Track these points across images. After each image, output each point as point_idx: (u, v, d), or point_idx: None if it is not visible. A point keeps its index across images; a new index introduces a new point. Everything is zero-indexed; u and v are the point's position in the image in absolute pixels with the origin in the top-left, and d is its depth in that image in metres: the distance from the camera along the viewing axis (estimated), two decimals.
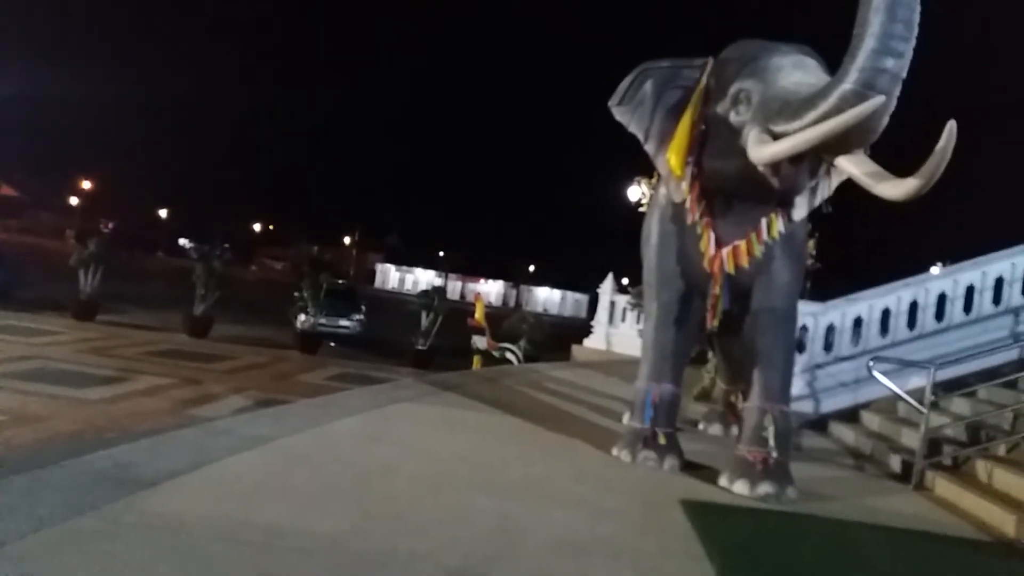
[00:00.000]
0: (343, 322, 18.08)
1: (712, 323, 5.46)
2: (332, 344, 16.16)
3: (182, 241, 68.64)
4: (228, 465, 4.05)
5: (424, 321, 14.87)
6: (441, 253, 77.20)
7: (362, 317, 19.09)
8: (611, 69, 5.98)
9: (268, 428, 4.97)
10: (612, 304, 16.91)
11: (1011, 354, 8.13)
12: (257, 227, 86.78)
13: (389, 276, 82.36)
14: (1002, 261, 8.72)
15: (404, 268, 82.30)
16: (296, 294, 15.61)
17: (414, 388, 7.85)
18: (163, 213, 77.85)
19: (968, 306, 8.74)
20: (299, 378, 11.00)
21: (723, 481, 5.17)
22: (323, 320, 15.59)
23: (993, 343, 8.31)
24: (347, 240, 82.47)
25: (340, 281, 22.60)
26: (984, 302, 8.70)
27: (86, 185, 68.23)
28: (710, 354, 8.71)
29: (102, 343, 11.50)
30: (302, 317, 15.16)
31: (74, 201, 69.56)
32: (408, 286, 71.95)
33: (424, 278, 73.51)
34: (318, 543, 3.13)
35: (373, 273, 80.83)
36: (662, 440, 5.54)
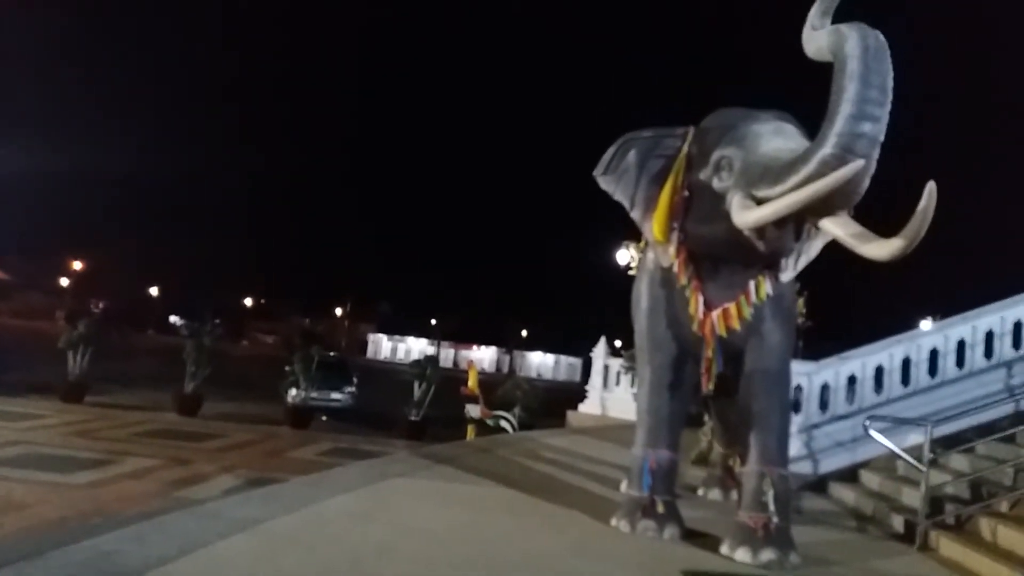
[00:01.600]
0: (335, 395, 17.90)
1: (707, 386, 5.45)
2: (324, 418, 15.95)
3: (173, 318, 68.45)
4: (217, 550, 3.94)
5: (417, 391, 14.76)
6: (433, 321, 77.09)
7: (354, 389, 18.91)
8: (598, 134, 6.11)
9: (258, 509, 4.86)
10: (606, 368, 16.81)
11: (1007, 408, 8.10)
12: (248, 301, 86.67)
13: (381, 346, 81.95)
14: (991, 315, 8.78)
15: (396, 337, 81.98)
16: (287, 368, 15.51)
17: (407, 462, 7.72)
18: (153, 291, 77.81)
19: (960, 360, 8.75)
20: (290, 455, 10.83)
21: (725, 549, 5.06)
22: (314, 394, 15.44)
23: (988, 397, 8.29)
24: (338, 311, 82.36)
25: (331, 353, 22.46)
26: (976, 356, 8.71)
27: (76, 265, 68.34)
28: (706, 417, 8.64)
29: (89, 425, 11.33)
30: (293, 391, 15.02)
31: (64, 282, 69.54)
32: (401, 355, 71.51)
33: (416, 347, 73.12)
34: None
35: (365, 343, 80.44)
36: (661, 508, 5.44)
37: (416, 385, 14.81)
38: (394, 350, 79.69)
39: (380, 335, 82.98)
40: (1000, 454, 6.82)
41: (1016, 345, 8.71)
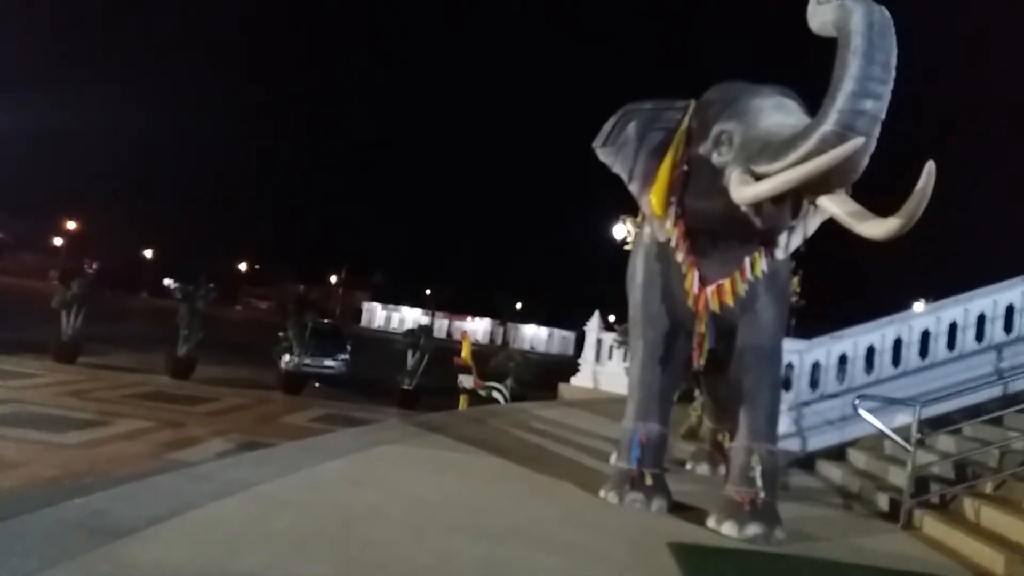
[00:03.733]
0: (328, 362, 17.93)
1: (699, 362, 5.47)
2: (317, 385, 16.01)
3: (167, 281, 68.24)
4: (209, 511, 3.97)
5: (410, 360, 14.80)
6: (428, 291, 77.14)
7: (347, 357, 18.95)
8: (596, 107, 6.07)
9: (250, 472, 4.89)
10: (599, 342, 16.89)
11: (995, 391, 8.16)
12: (243, 267, 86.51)
13: (375, 315, 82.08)
14: (984, 298, 8.81)
15: (390, 307, 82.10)
16: (281, 334, 15.51)
17: (399, 430, 7.77)
18: (148, 253, 77.55)
19: (952, 343, 8.80)
20: (283, 420, 10.88)
21: (711, 522, 5.12)
22: (308, 360, 15.47)
23: (977, 379, 8.35)
24: (333, 279, 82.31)
25: (325, 320, 22.47)
26: (967, 339, 8.76)
27: (70, 225, 67.97)
28: (696, 392, 8.70)
29: (82, 386, 11.34)
30: (286, 357, 15.04)
31: (58, 242, 69.22)
32: (395, 325, 71.65)
33: (411, 316, 73.34)
34: None
35: (359, 312, 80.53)
36: (649, 481, 5.49)
37: (409, 354, 14.85)
38: (388, 319, 79.85)
39: (374, 304, 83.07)
40: (986, 436, 6.89)
41: (1007, 329, 8.75)
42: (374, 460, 5.97)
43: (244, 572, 3.16)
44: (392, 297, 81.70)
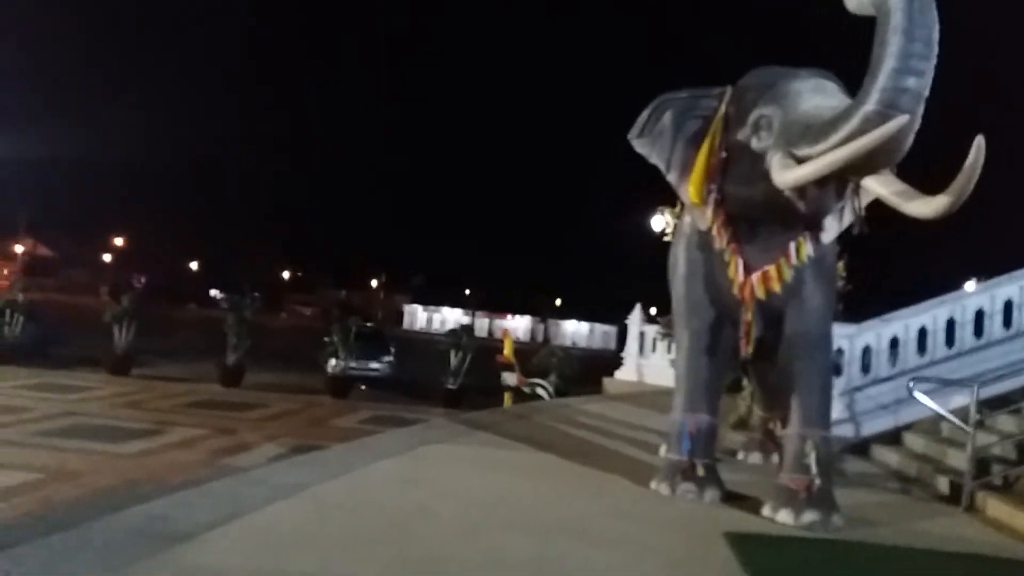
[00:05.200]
0: (373, 365, 18.11)
1: (746, 350, 5.39)
2: (363, 387, 16.19)
3: (213, 292, 69.64)
4: (264, 515, 4.03)
5: (453, 360, 14.88)
6: (467, 291, 77.45)
7: (392, 359, 19.11)
8: (631, 98, 6.02)
9: (302, 475, 4.96)
10: (641, 335, 16.76)
11: None
12: (285, 274, 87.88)
13: (417, 317, 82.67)
14: None
15: (431, 308, 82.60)
16: (326, 339, 15.71)
17: (446, 428, 7.81)
18: (193, 265, 79.29)
19: (1008, 321, 8.54)
20: (332, 423, 11.02)
21: (766, 511, 5.05)
22: (353, 363, 15.64)
23: None
24: (374, 283, 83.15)
25: (368, 324, 22.70)
26: (1023, 317, 8.49)
27: (118, 242, 69.84)
28: (745, 381, 8.57)
29: (137, 397, 11.64)
30: (332, 362, 15.23)
31: (107, 258, 71.18)
32: (436, 326, 72.04)
33: (451, 317, 73.65)
34: None
35: (401, 314, 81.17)
36: (701, 472, 5.43)
37: (452, 354, 14.93)
38: (429, 320, 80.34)
39: (415, 306, 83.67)
40: None
41: None
42: (422, 459, 6.01)
43: (299, 574, 3.20)
44: (432, 299, 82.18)
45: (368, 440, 6.99)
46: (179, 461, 7.55)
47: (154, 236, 72.87)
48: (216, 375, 14.29)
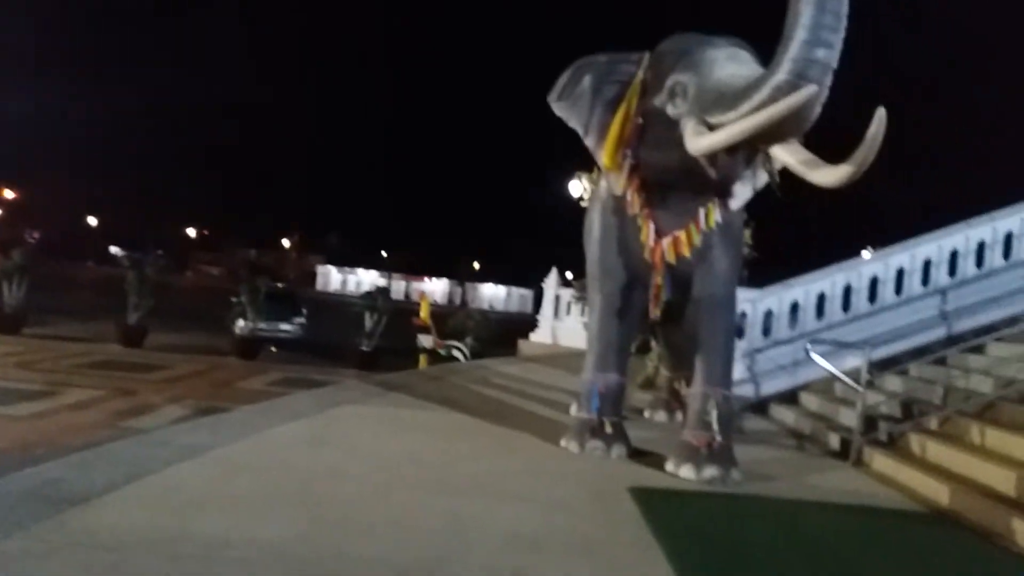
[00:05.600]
0: (283, 326, 17.71)
1: (655, 312, 5.54)
2: (273, 349, 15.82)
3: (113, 249, 66.29)
4: (165, 477, 3.91)
5: (368, 322, 14.69)
6: (384, 253, 76.51)
7: (303, 320, 18.73)
8: (552, 62, 5.99)
9: (207, 437, 4.82)
10: (557, 298, 16.99)
11: (939, 332, 8.46)
12: (192, 232, 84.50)
13: (331, 278, 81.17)
14: (929, 244, 9.04)
15: (346, 269, 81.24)
16: (234, 299, 15.21)
17: (359, 390, 7.73)
18: (93, 221, 75.16)
19: (899, 288, 9.04)
20: (239, 385, 10.73)
21: (669, 466, 5.24)
22: (262, 325, 15.22)
23: (923, 322, 8.63)
24: (286, 243, 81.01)
25: (279, 284, 22.16)
26: (913, 284, 9.00)
27: (8, 195, 65.37)
28: (653, 343, 8.81)
29: (28, 357, 11.01)
30: (240, 322, 14.78)
31: None
32: (351, 287, 70.94)
33: (367, 279, 72.66)
34: (262, 552, 3.04)
35: (314, 275, 79.54)
36: (609, 429, 5.59)
37: (367, 316, 14.74)
38: (344, 282, 79.05)
39: (329, 267, 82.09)
40: (931, 375, 7.14)
41: (952, 273, 9.00)
42: (333, 420, 5.94)
43: (203, 535, 3.13)
44: (347, 260, 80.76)
45: (277, 402, 6.84)
46: (75, 423, 7.20)
47: (50, 189, 68.60)
48: (115, 335, 13.65)
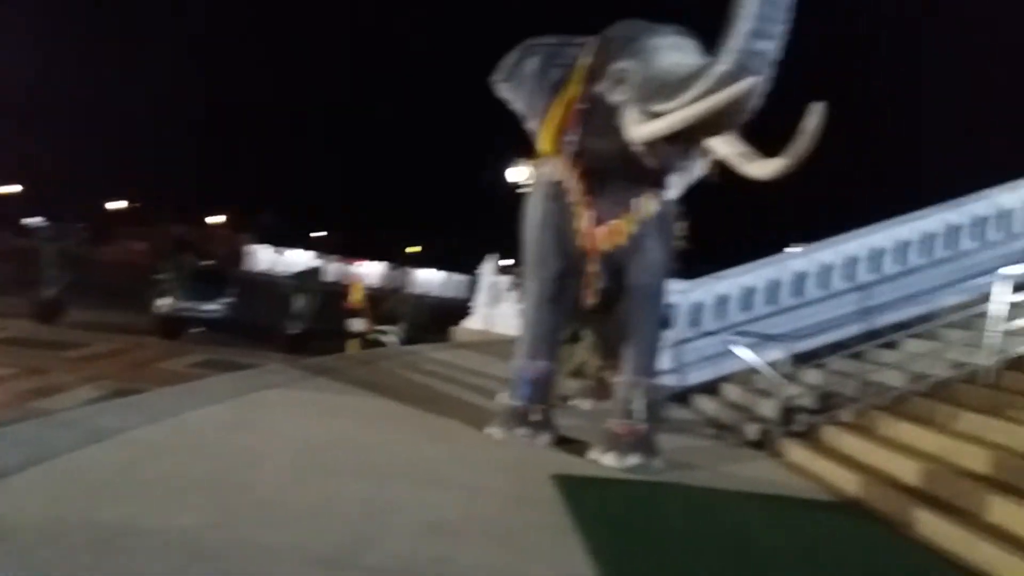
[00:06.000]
0: (209, 306, 17.13)
1: (589, 300, 5.55)
2: (198, 330, 15.34)
3: (29, 220, 63.19)
4: (73, 459, 3.74)
5: (297, 304, 14.41)
6: (319, 233, 75.08)
7: (230, 300, 18.19)
8: (495, 43, 5.93)
9: (119, 419, 4.62)
10: (493, 285, 16.96)
11: (858, 327, 8.75)
12: (117, 206, 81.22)
13: (261, 258, 79.22)
14: (853, 241, 9.32)
15: (278, 249, 79.39)
16: (158, 276, 14.71)
17: (284, 373, 7.56)
18: (9, 189, 71.42)
19: (823, 283, 9.29)
20: (159, 366, 10.39)
21: (593, 454, 5.29)
22: (187, 304, 14.76)
23: (844, 317, 8.92)
24: (216, 219, 78.63)
25: (206, 262, 21.49)
26: (837, 279, 9.27)
27: None
28: (585, 331, 8.87)
29: None
30: (163, 301, 14.30)
31: None
32: (282, 268, 69.40)
33: (300, 259, 71.21)
34: (171, 539, 2.93)
35: (245, 254, 77.50)
36: (537, 416, 5.60)
37: (298, 298, 14.45)
38: (275, 262, 77.26)
39: (261, 246, 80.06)
40: (848, 369, 7.39)
41: (873, 269, 9.31)
42: (255, 404, 5.79)
43: (110, 522, 3.00)
44: (280, 239, 78.88)
45: (197, 384, 6.63)
46: None
47: None
48: (30, 311, 13.03)
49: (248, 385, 6.48)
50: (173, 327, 13.69)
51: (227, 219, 77.19)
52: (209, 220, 77.68)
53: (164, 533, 2.97)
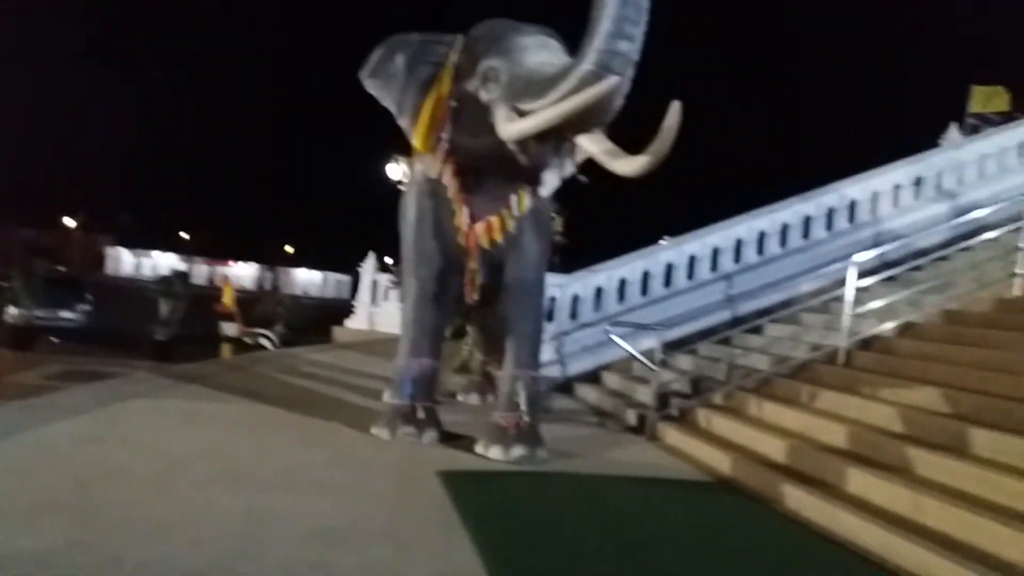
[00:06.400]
0: (65, 314, 16.03)
1: (471, 297, 5.57)
2: (53, 340, 14.26)
3: None
4: None
5: (164, 309, 13.65)
6: (184, 234, 71.39)
7: (88, 307, 17.06)
8: (366, 38, 5.80)
9: None
10: (374, 283, 16.68)
11: (725, 314, 9.22)
12: None
13: (122, 261, 74.51)
14: (718, 233, 9.80)
15: (140, 252, 74.88)
16: (5, 284, 13.55)
17: (151, 382, 7.13)
18: None
19: (691, 273, 9.73)
20: (9, 379, 9.57)
21: (479, 448, 5.31)
22: (40, 312, 13.70)
23: (711, 306, 9.37)
24: (70, 223, 73.20)
25: (60, 268, 20.03)
26: (703, 269, 9.73)
27: None
28: (468, 327, 8.89)
29: None
30: (13, 310, 13.19)
31: None
32: (146, 272, 65.54)
33: (165, 262, 67.47)
34: (24, 565, 2.69)
35: (103, 259, 72.62)
36: (421, 414, 5.56)
37: (163, 303, 13.68)
38: (138, 266, 72.91)
39: (120, 249, 75.24)
40: (717, 354, 7.78)
41: (736, 259, 9.82)
42: (117, 416, 5.42)
43: None
44: (142, 241, 74.40)
45: (52, 396, 6.14)
46: None
47: None
48: None
49: (110, 396, 6.08)
50: (24, 337, 12.65)
51: (82, 221, 71.99)
52: (62, 223, 72.25)
53: (13, 560, 2.73)
